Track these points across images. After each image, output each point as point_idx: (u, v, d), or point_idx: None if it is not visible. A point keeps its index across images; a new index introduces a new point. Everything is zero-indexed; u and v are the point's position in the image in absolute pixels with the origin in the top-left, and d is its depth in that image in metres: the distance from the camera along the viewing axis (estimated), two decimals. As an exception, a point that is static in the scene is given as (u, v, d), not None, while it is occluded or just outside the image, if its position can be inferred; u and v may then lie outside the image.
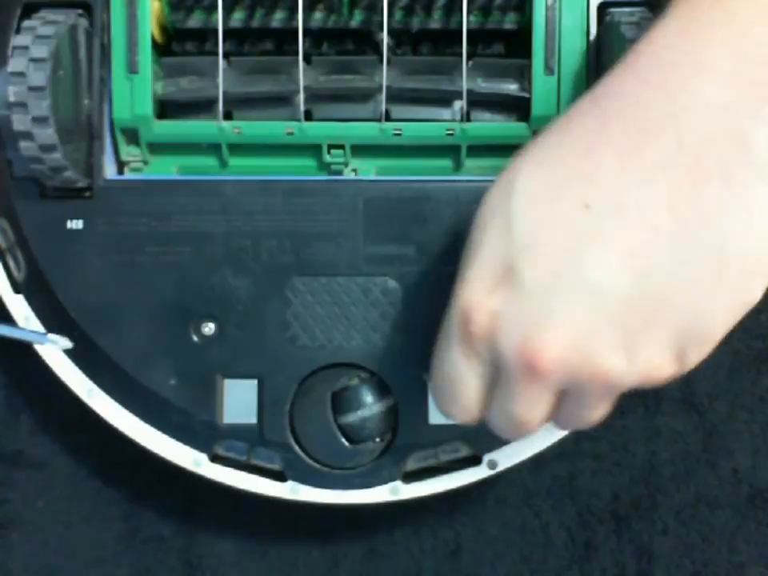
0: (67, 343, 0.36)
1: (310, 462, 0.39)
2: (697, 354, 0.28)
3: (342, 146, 0.39)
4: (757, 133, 0.26)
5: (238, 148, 0.40)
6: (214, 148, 0.40)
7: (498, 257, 0.28)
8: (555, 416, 0.30)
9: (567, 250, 0.27)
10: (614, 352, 0.27)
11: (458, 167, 0.40)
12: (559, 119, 0.29)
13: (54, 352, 0.39)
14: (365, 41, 0.40)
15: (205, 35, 0.40)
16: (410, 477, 0.39)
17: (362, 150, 0.40)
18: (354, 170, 0.40)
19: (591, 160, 0.27)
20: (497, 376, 0.29)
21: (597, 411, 0.30)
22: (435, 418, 0.38)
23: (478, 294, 0.29)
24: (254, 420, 0.39)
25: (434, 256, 0.38)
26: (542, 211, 0.28)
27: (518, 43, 0.40)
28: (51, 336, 0.36)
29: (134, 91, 0.38)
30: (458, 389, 0.31)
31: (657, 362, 0.27)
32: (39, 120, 0.35)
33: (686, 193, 0.26)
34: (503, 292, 0.28)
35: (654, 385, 0.28)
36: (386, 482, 0.39)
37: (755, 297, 0.27)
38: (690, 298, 0.27)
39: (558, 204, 0.28)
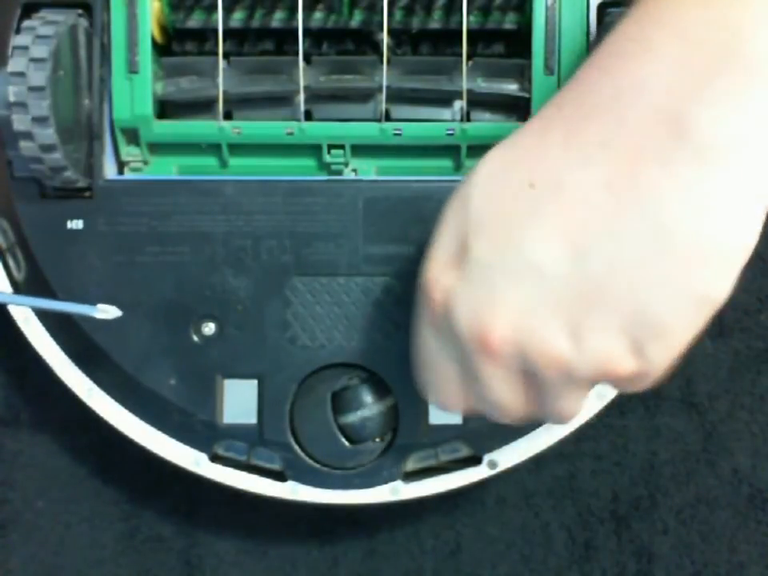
0: (117, 312, 0.35)
1: (310, 462, 0.39)
2: (657, 350, 0.27)
3: (342, 146, 0.39)
4: (696, 115, 0.26)
5: (238, 148, 0.40)
6: (214, 148, 0.40)
7: (454, 234, 0.29)
8: (532, 405, 0.30)
9: (512, 229, 0.27)
10: (559, 334, 0.27)
11: (458, 167, 0.40)
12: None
13: (55, 351, 0.39)
14: (365, 41, 0.40)
15: (205, 35, 0.40)
16: (410, 477, 0.39)
17: (362, 149, 0.40)
18: (354, 170, 0.40)
19: (542, 141, 0.28)
20: (463, 357, 0.30)
21: (569, 402, 0.29)
22: (435, 418, 0.38)
23: (437, 270, 0.29)
24: (253, 420, 0.39)
25: (434, 256, 0.38)
26: (494, 189, 0.28)
27: (517, 43, 0.40)
28: (100, 306, 0.35)
29: (134, 91, 0.38)
30: (435, 373, 0.31)
31: (608, 351, 0.27)
32: (39, 120, 0.35)
33: (623, 173, 0.26)
34: (457, 268, 0.29)
35: (619, 379, 0.28)
36: (385, 482, 0.39)
37: (714, 290, 0.26)
38: (632, 283, 0.26)
39: (508, 183, 0.28)
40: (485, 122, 0.40)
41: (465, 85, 0.39)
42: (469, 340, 0.28)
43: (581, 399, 0.30)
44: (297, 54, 0.38)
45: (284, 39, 0.40)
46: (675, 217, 0.26)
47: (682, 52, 0.26)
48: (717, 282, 0.26)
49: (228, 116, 0.39)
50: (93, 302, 0.38)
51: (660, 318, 0.26)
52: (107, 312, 0.35)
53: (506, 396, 0.30)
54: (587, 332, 0.27)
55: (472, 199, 0.29)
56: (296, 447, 0.39)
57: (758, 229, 0.26)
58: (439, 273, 0.29)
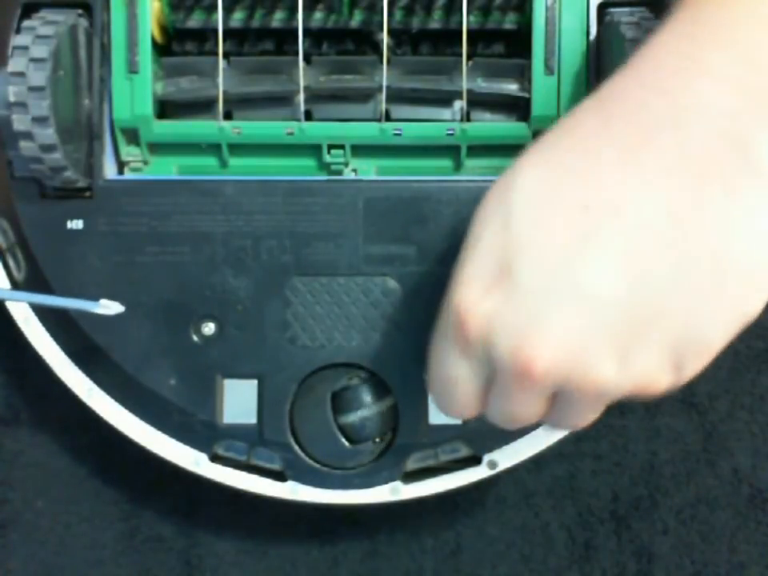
0: (119, 307, 0.35)
1: (310, 462, 0.39)
2: (695, 365, 0.27)
3: (342, 146, 0.39)
4: (759, 140, 0.25)
5: (238, 148, 0.40)
6: (214, 148, 0.40)
7: (495, 256, 0.28)
8: (549, 415, 0.30)
9: (564, 252, 0.26)
10: (607, 360, 0.27)
11: (458, 167, 0.40)
12: (563, 120, 0.29)
13: (55, 351, 0.39)
14: (365, 41, 0.40)
15: (205, 35, 0.40)
16: (410, 477, 0.39)
17: (362, 149, 0.40)
18: (354, 170, 0.40)
19: (592, 161, 0.27)
20: (492, 375, 0.29)
21: (588, 415, 0.29)
22: (435, 418, 0.38)
23: (474, 294, 0.28)
24: (253, 420, 0.39)
25: (433, 256, 0.38)
26: (541, 211, 0.27)
27: (517, 43, 0.40)
28: (103, 302, 0.35)
29: (134, 91, 0.38)
30: (457, 389, 0.30)
31: (652, 372, 0.27)
32: (39, 120, 0.35)
33: (686, 198, 0.26)
34: (498, 293, 0.27)
35: (649, 396, 0.27)
36: (385, 482, 0.39)
37: (756, 309, 0.26)
38: (688, 308, 0.26)
39: (557, 204, 0.27)
40: (485, 122, 0.40)
41: (465, 85, 0.39)
42: (509, 365, 0.27)
43: (601, 409, 0.30)
44: (297, 53, 0.38)
45: (284, 39, 0.40)
46: (737, 244, 0.26)
47: (745, 76, 0.26)
48: (761, 301, 0.26)
49: (228, 116, 0.39)
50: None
51: (706, 336, 0.26)
52: (109, 307, 0.35)
53: (529, 411, 0.29)
54: (634, 355, 0.27)
55: (515, 221, 0.27)
56: (296, 447, 0.39)
57: None
58: (477, 297, 0.28)
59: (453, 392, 0.31)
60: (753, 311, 0.27)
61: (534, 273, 0.27)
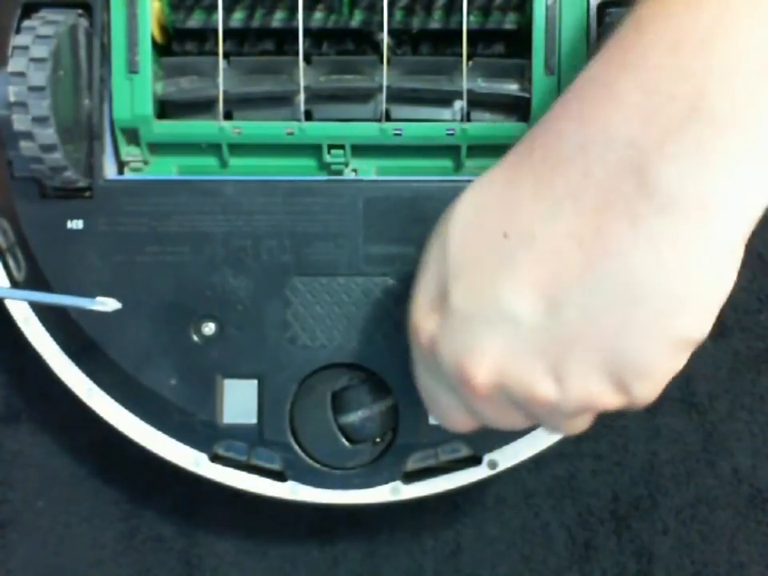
0: (116, 304, 0.35)
1: (310, 461, 0.39)
2: (644, 387, 0.27)
3: (342, 146, 0.39)
4: (660, 169, 0.25)
5: (238, 148, 0.40)
6: (214, 148, 0.40)
7: (435, 280, 0.29)
8: (537, 422, 0.30)
9: (487, 279, 0.27)
10: (542, 378, 0.27)
11: (458, 167, 0.40)
12: (510, 149, 0.29)
13: (55, 351, 0.39)
14: (365, 41, 0.40)
15: (205, 35, 0.40)
16: (410, 477, 0.39)
17: (362, 149, 0.40)
18: (354, 170, 0.40)
19: (514, 189, 0.28)
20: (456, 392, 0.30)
21: (571, 425, 0.30)
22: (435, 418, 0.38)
23: (420, 314, 0.30)
24: (253, 420, 0.39)
25: (434, 256, 0.38)
26: (470, 238, 0.28)
27: (517, 43, 0.40)
28: (99, 299, 0.35)
29: (134, 91, 0.38)
30: (437, 403, 0.32)
31: (594, 391, 0.27)
32: (39, 120, 0.35)
33: (591, 226, 0.26)
34: (439, 315, 0.29)
35: (610, 410, 0.28)
36: (386, 482, 0.39)
37: (691, 332, 0.26)
38: (607, 332, 0.26)
39: (484, 231, 0.28)
40: (485, 122, 0.40)
41: (465, 85, 0.39)
42: (455, 381, 0.29)
43: (584, 420, 0.30)
44: (297, 53, 0.38)
45: (284, 39, 0.40)
46: (644, 269, 0.25)
47: (645, 102, 0.25)
48: (693, 325, 0.26)
49: (228, 116, 0.39)
50: (93, 301, 0.38)
51: (639, 361, 0.26)
52: (106, 304, 0.35)
53: (505, 421, 0.30)
54: (568, 375, 0.27)
55: (449, 246, 0.29)
56: (296, 447, 0.39)
57: (733, 272, 0.26)
58: (423, 317, 0.30)
59: (439, 408, 0.32)
60: (693, 336, 0.26)
61: (464, 296, 0.28)
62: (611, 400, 0.27)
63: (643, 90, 0.25)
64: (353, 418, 0.39)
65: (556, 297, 0.26)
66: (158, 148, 0.40)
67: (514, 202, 0.27)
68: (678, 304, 0.26)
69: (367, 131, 0.39)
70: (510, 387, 0.28)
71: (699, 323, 0.26)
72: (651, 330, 0.26)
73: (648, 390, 0.27)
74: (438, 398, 0.31)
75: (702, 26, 0.25)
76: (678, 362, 0.27)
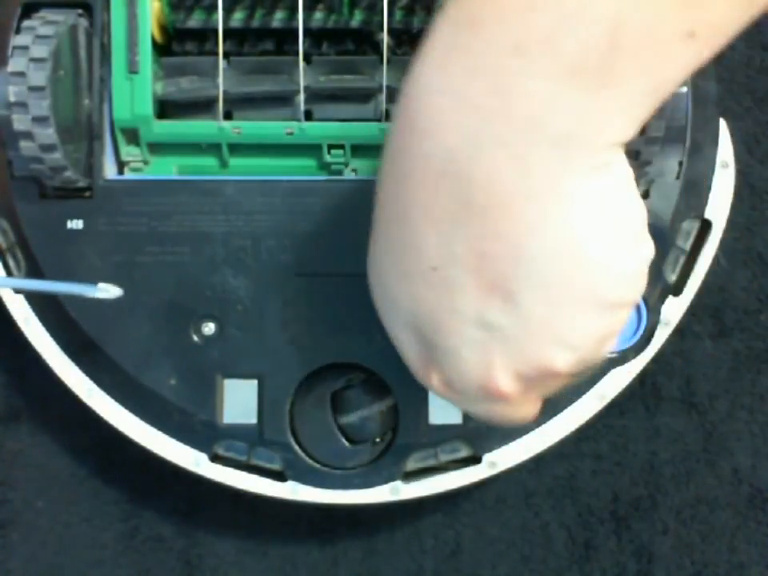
0: (117, 291, 0.35)
1: (310, 462, 0.39)
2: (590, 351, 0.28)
3: (341, 146, 0.39)
4: (475, 168, 0.26)
5: (238, 148, 0.40)
6: (214, 148, 0.40)
7: (414, 341, 0.30)
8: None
9: (447, 307, 0.28)
10: (554, 351, 0.28)
11: (458, 167, 0.40)
12: None
13: (55, 351, 0.39)
14: (365, 41, 0.40)
15: (205, 35, 0.40)
16: (410, 477, 0.39)
17: (362, 149, 0.40)
18: (354, 170, 0.40)
19: (405, 225, 0.28)
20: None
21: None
22: (435, 417, 0.38)
23: (420, 371, 0.31)
24: (253, 420, 0.39)
25: (434, 256, 0.38)
26: (404, 293, 0.29)
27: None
28: (101, 285, 0.35)
29: (134, 91, 0.38)
30: (470, 412, 0.32)
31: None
32: (39, 120, 0.35)
33: (462, 235, 0.27)
34: (434, 366, 0.30)
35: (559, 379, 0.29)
36: (385, 482, 0.39)
37: (610, 295, 0.27)
38: (563, 294, 0.27)
39: (414, 279, 0.29)
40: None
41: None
42: (489, 400, 0.30)
43: (533, 404, 0.31)
44: (297, 53, 0.38)
45: (284, 39, 0.40)
46: (552, 232, 0.26)
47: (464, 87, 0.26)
48: (614, 280, 0.27)
49: (228, 116, 0.39)
50: (93, 302, 0.38)
51: (568, 331, 0.27)
52: (107, 291, 0.35)
53: (532, 407, 0.31)
54: (567, 337, 0.28)
55: (398, 311, 0.30)
56: (296, 447, 0.39)
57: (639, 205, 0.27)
58: (425, 376, 0.30)
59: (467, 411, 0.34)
60: (612, 298, 0.27)
61: (442, 336, 0.29)
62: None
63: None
64: (353, 418, 0.39)
65: (503, 289, 0.27)
66: (158, 148, 0.40)
67: (416, 243, 0.28)
68: (595, 262, 0.27)
69: (367, 131, 0.39)
70: (534, 375, 0.28)
71: (616, 280, 0.27)
72: (577, 294, 0.27)
73: (595, 352, 0.28)
74: (469, 410, 0.32)
75: None
76: (603, 328, 0.28)
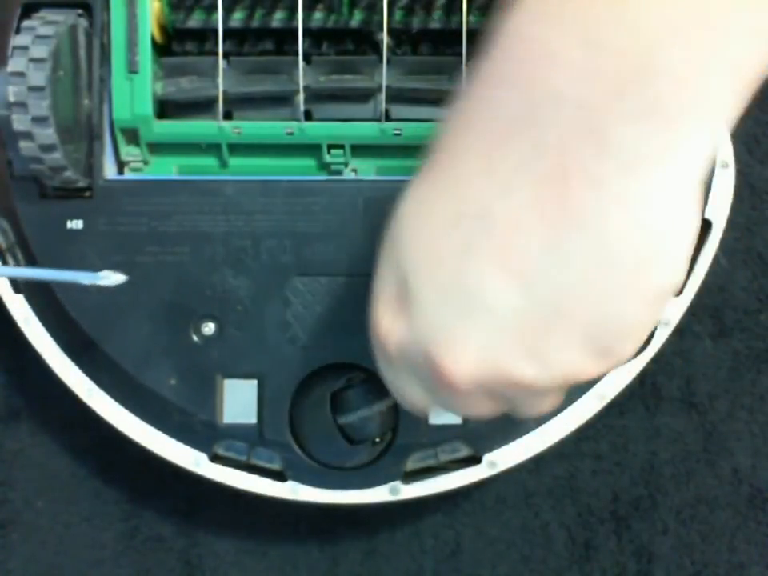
0: (120, 278, 0.34)
1: (310, 461, 0.39)
2: (623, 348, 0.26)
3: (341, 146, 0.39)
4: (613, 129, 0.24)
5: (238, 148, 0.40)
6: (214, 148, 0.40)
7: (393, 279, 0.28)
8: (509, 408, 0.29)
9: (450, 268, 0.26)
10: (523, 361, 0.26)
11: (457, 167, 0.40)
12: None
13: (55, 351, 0.39)
14: (365, 41, 0.40)
15: (205, 35, 0.40)
16: (410, 477, 0.39)
17: (362, 149, 0.40)
18: (354, 170, 0.40)
19: (458, 170, 0.26)
20: (430, 388, 0.29)
21: (544, 403, 0.29)
22: (435, 418, 0.38)
23: (386, 317, 0.28)
24: (253, 420, 0.39)
25: (433, 256, 0.38)
26: (422, 228, 0.27)
27: (517, 43, 0.40)
28: (103, 272, 0.34)
29: (134, 91, 0.38)
30: (409, 398, 0.30)
31: (575, 363, 0.26)
32: (39, 120, 0.35)
33: (551, 196, 0.25)
34: (404, 316, 0.27)
35: (588, 379, 0.27)
36: (385, 482, 0.39)
37: (668, 281, 0.26)
38: (585, 301, 0.25)
39: (434, 221, 0.26)
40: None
41: (465, 85, 0.39)
42: (431, 377, 0.27)
43: (559, 397, 0.29)
44: (297, 53, 0.38)
45: (284, 39, 0.40)
46: (612, 230, 0.25)
47: (589, 61, 0.24)
48: (667, 277, 0.26)
49: (228, 116, 0.39)
50: (93, 302, 0.38)
51: (620, 322, 0.26)
52: (109, 278, 0.34)
53: (478, 410, 0.29)
54: (549, 352, 0.26)
55: (401, 241, 0.27)
56: (296, 447, 0.39)
57: (697, 217, 0.26)
58: (389, 320, 0.28)
59: (408, 400, 0.31)
60: (670, 284, 0.26)
61: (428, 290, 0.27)
62: (592, 368, 0.26)
63: (584, 47, 0.24)
64: (353, 418, 0.39)
65: (526, 273, 0.25)
66: (158, 148, 0.40)
67: (459, 185, 0.26)
68: (650, 259, 0.25)
69: (367, 131, 0.39)
70: (490, 376, 0.27)
71: (673, 273, 0.26)
72: (627, 290, 0.25)
73: (629, 348, 0.26)
74: (411, 394, 0.30)
75: None
76: (656, 314, 0.26)
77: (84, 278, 0.34)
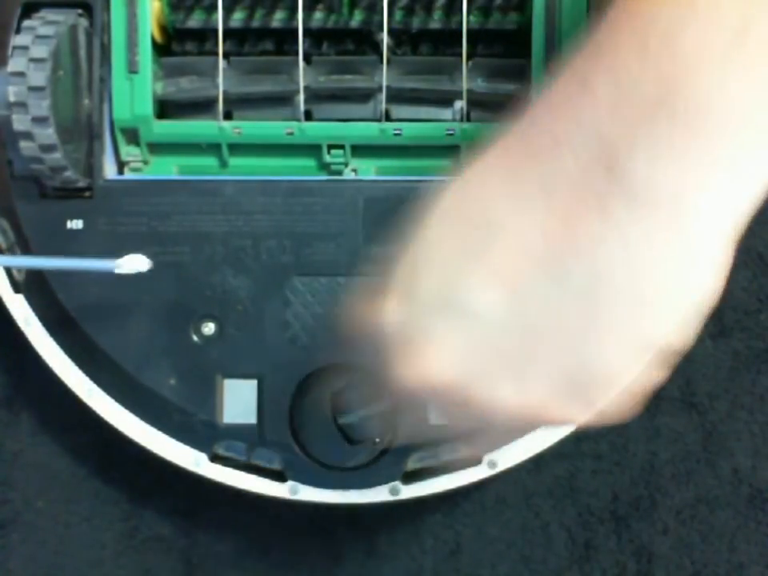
0: (146, 263, 0.34)
1: (310, 462, 0.39)
2: (597, 391, 0.26)
3: (342, 146, 0.39)
4: (629, 164, 0.24)
5: (238, 148, 0.40)
6: (214, 148, 0.40)
7: (406, 270, 0.28)
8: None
9: (453, 270, 0.27)
10: (501, 379, 0.26)
11: (457, 167, 0.40)
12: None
13: (55, 351, 0.39)
14: (365, 41, 0.40)
15: (205, 35, 0.40)
16: (410, 477, 0.39)
17: (362, 149, 0.40)
18: (354, 170, 0.40)
19: (487, 179, 0.27)
20: None
21: (499, 441, 0.30)
22: (435, 418, 0.38)
23: (391, 303, 0.28)
24: (253, 420, 0.39)
25: (433, 256, 0.38)
26: (444, 228, 0.27)
27: (518, 43, 0.40)
28: (127, 257, 0.34)
29: (134, 91, 0.39)
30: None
31: (549, 399, 0.26)
32: (39, 120, 0.35)
33: (560, 221, 0.25)
34: (404, 307, 0.28)
35: (551, 422, 0.27)
36: (385, 482, 0.39)
37: (657, 337, 0.26)
38: (571, 330, 0.25)
39: (456, 222, 0.27)
40: (485, 122, 0.40)
41: (465, 85, 0.39)
42: (407, 368, 0.27)
43: (508, 437, 0.30)
44: (297, 53, 0.38)
45: (284, 39, 0.40)
46: (611, 267, 0.25)
47: (616, 98, 0.25)
48: (659, 331, 0.25)
49: (228, 116, 0.39)
50: (93, 302, 0.38)
51: (599, 361, 0.26)
52: (122, 267, 0.34)
53: (455, 418, 0.29)
54: (528, 378, 0.26)
55: (426, 235, 0.28)
56: (296, 447, 0.39)
57: (710, 278, 0.25)
58: (392, 307, 0.28)
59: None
60: (657, 340, 0.26)
61: (429, 287, 0.27)
62: (562, 408, 0.26)
63: (613, 85, 0.25)
64: (353, 418, 0.38)
65: (518, 289, 0.26)
66: (158, 148, 0.40)
67: (486, 194, 0.27)
68: (645, 306, 0.25)
69: (367, 131, 0.39)
70: (465, 384, 0.27)
71: (666, 329, 0.25)
72: (615, 332, 0.25)
73: (602, 395, 0.26)
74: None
75: (664, 18, 0.24)
76: (637, 367, 0.26)
77: (102, 265, 0.34)
